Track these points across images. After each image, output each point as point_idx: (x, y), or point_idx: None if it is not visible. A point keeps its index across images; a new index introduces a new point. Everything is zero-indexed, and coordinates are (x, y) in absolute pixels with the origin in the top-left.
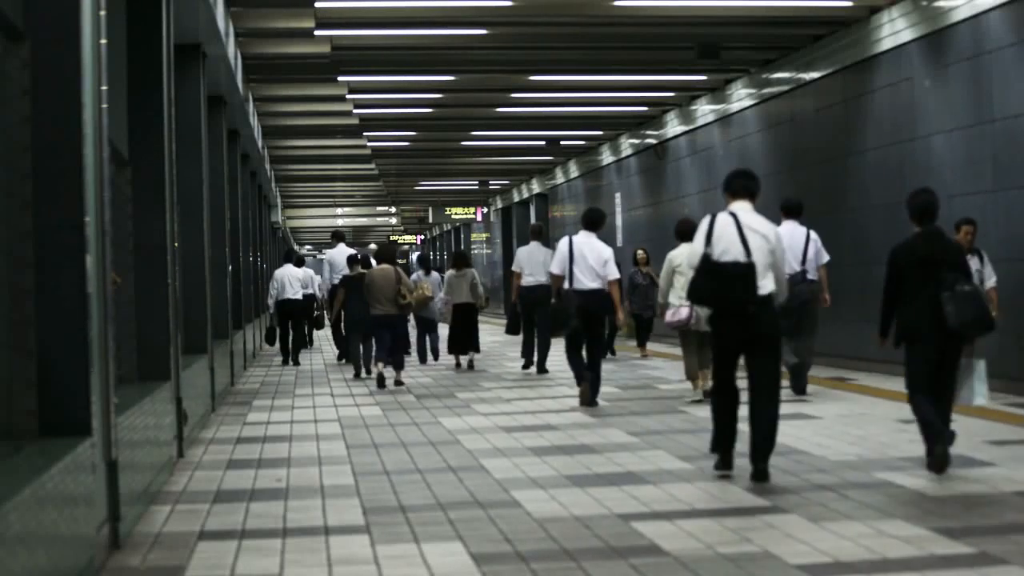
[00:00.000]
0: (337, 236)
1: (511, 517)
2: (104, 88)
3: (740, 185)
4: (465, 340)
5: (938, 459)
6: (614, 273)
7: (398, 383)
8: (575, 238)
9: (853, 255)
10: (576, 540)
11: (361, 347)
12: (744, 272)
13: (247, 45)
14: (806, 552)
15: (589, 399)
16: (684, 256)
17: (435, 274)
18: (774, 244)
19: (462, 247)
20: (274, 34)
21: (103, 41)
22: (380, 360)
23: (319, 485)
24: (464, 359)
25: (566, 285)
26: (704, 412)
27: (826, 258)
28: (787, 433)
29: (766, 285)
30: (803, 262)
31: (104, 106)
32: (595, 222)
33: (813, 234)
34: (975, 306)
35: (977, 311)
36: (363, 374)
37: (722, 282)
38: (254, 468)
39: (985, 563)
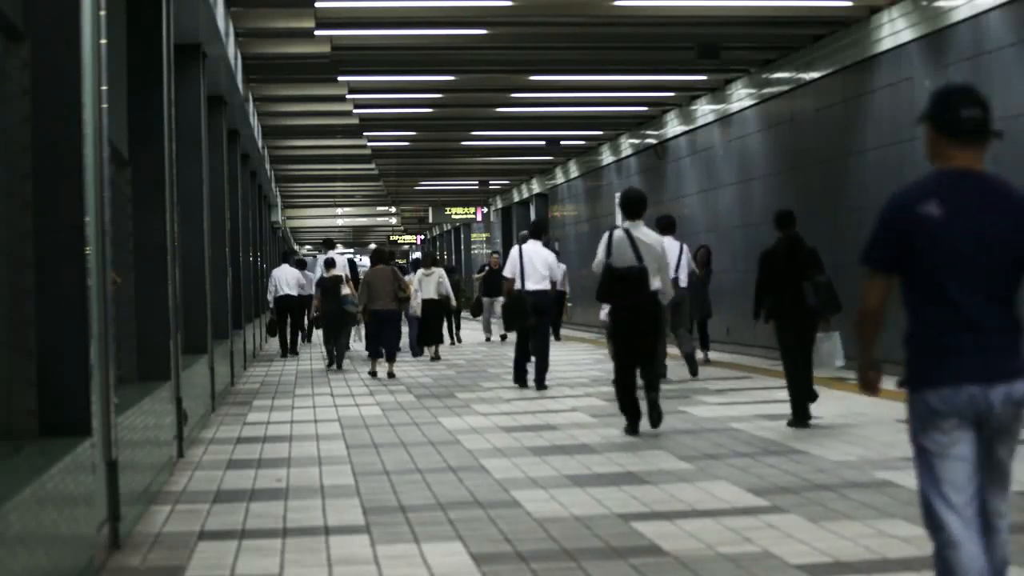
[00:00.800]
0: (327, 244)
1: (511, 517)
2: (104, 88)
3: (632, 209)
4: (431, 333)
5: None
6: (562, 273)
7: (390, 375)
8: (524, 247)
9: (853, 255)
10: (576, 540)
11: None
12: (637, 275)
13: (247, 45)
14: (806, 552)
15: (543, 383)
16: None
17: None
18: (660, 252)
19: (462, 247)
20: (274, 34)
21: (103, 41)
22: (380, 355)
23: (319, 485)
24: (430, 350)
25: (517, 285)
26: (704, 412)
27: (692, 267)
28: (787, 433)
29: (654, 284)
30: (676, 270)
31: (104, 106)
32: (539, 231)
33: (685, 247)
34: (828, 292)
35: (829, 296)
36: (333, 365)
37: (622, 283)
38: (254, 468)
39: None
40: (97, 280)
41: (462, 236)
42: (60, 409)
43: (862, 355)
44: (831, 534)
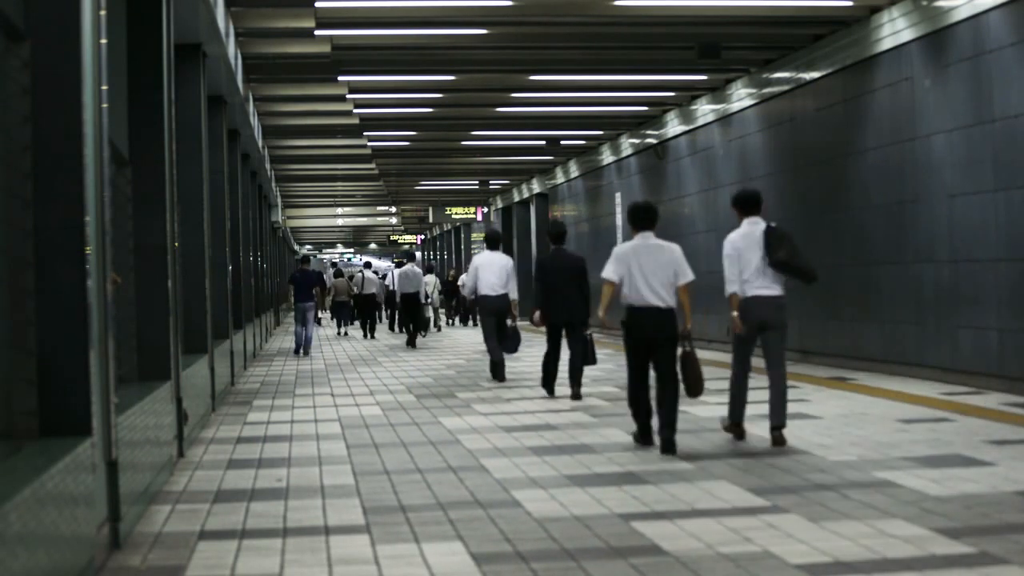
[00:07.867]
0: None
1: (511, 517)
2: (104, 88)
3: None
4: (369, 316)
5: None
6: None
7: (346, 333)
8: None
9: (853, 255)
10: (576, 540)
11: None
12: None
13: (247, 45)
14: (806, 552)
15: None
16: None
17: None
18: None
19: (462, 247)
20: (274, 34)
21: (103, 41)
22: (344, 326)
23: (319, 485)
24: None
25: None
26: (705, 412)
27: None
28: (787, 433)
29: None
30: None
31: (104, 106)
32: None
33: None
34: None
35: None
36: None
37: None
38: (254, 468)
39: (985, 563)
40: (97, 280)
41: (462, 236)
42: (60, 409)
43: None
44: (831, 534)
